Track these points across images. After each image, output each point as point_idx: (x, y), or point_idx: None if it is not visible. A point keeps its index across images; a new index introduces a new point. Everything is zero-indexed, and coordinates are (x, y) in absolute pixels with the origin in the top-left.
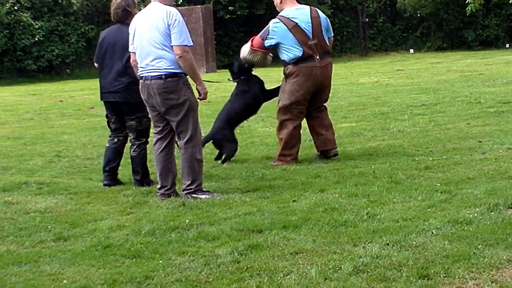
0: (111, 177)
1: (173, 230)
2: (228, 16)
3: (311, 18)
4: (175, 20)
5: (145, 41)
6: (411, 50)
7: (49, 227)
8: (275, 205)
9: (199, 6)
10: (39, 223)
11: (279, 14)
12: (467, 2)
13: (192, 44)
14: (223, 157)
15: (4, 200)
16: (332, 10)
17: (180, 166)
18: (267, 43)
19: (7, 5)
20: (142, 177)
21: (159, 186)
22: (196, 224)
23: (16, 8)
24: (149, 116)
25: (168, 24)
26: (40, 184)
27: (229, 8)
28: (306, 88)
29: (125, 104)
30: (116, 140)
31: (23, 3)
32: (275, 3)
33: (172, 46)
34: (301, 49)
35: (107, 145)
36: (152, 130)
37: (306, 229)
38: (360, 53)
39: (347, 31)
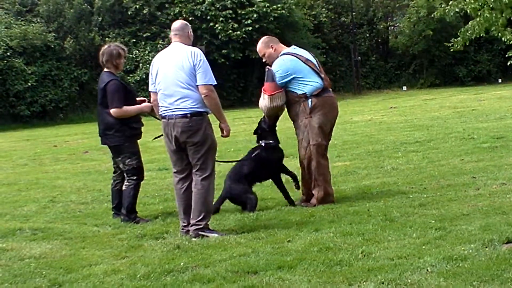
0: (115, 214)
1: (168, 273)
2: (222, 60)
3: (311, 55)
4: (200, 60)
5: (170, 80)
6: (404, 87)
7: (44, 273)
8: (270, 245)
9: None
10: (34, 269)
11: (284, 52)
12: (450, 41)
13: (216, 83)
14: (248, 208)
15: None
16: (324, 50)
17: (193, 200)
18: (281, 79)
19: None
20: (128, 212)
21: (184, 224)
22: (191, 266)
23: (8, 54)
24: (134, 157)
25: (193, 64)
26: (35, 230)
27: (223, 51)
28: (332, 119)
29: (109, 147)
30: (112, 181)
31: (15, 48)
32: (267, 55)
33: (197, 85)
34: (321, 79)
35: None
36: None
37: (301, 269)
38: (354, 92)
39: (340, 70)
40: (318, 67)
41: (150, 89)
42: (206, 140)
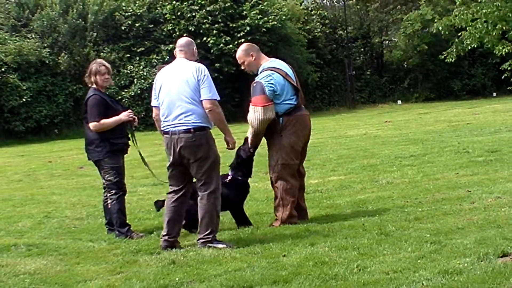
0: (110, 230)
1: None
2: (216, 74)
3: (290, 68)
4: (204, 75)
5: (174, 95)
6: (399, 102)
7: None
8: (265, 260)
9: None
10: (29, 285)
11: (264, 67)
12: (445, 52)
13: (219, 98)
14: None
15: None
16: (318, 65)
17: (199, 215)
18: (270, 93)
19: None
20: (119, 227)
21: (164, 233)
22: (186, 282)
23: (3, 69)
24: (112, 172)
25: (198, 79)
26: (30, 245)
27: (216, 65)
28: (303, 138)
29: (93, 162)
30: (103, 197)
31: (10, 64)
32: (247, 63)
33: (201, 100)
34: (295, 97)
35: None
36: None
37: (296, 284)
38: (348, 106)
39: (335, 84)
40: (295, 81)
41: (152, 104)
42: (210, 155)
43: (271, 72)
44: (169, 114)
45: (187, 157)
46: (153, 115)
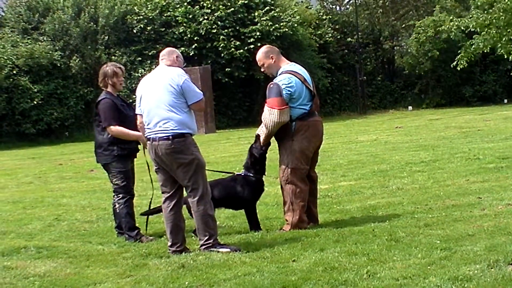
0: (119, 233)
1: None
2: (226, 79)
3: (308, 74)
4: (184, 81)
5: (153, 103)
6: (410, 107)
7: None
8: (275, 265)
9: (197, 67)
10: (39, 287)
11: (284, 70)
12: (456, 58)
13: (202, 96)
14: None
15: (4, 265)
16: (330, 70)
17: (194, 222)
18: (287, 96)
19: (6, 70)
20: (128, 230)
21: (170, 243)
22: (195, 286)
23: (14, 72)
24: (119, 176)
25: (178, 86)
26: (40, 248)
27: (226, 69)
28: (314, 144)
29: (101, 165)
30: (113, 201)
31: (21, 67)
32: (266, 65)
33: (190, 105)
34: (310, 103)
35: None
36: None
37: None
38: (359, 111)
39: (346, 90)
40: (312, 87)
41: (136, 112)
42: (192, 160)
43: (290, 75)
44: (150, 122)
45: (169, 164)
46: (138, 122)
